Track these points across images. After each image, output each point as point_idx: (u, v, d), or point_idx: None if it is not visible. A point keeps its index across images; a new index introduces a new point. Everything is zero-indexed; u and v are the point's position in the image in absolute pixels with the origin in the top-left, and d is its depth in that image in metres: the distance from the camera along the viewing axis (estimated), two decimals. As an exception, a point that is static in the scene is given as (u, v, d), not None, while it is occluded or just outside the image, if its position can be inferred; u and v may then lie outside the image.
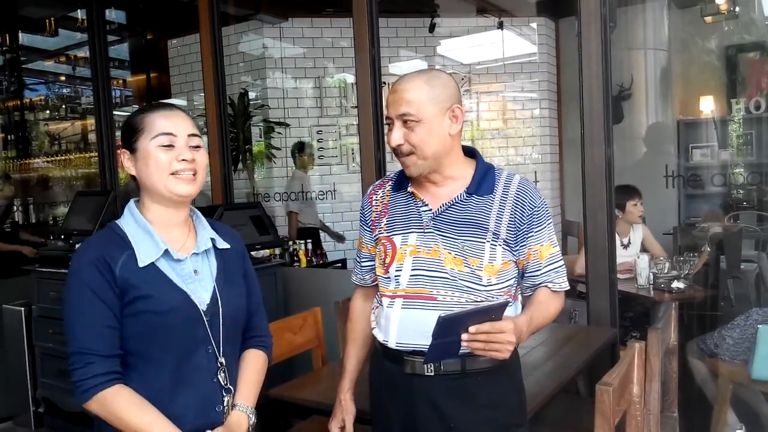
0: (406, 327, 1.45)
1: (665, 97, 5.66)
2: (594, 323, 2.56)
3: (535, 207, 1.47)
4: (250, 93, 5.57)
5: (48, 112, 6.68)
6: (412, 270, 1.46)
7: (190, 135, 1.34)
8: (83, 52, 6.07)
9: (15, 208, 5.16)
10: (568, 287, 1.55)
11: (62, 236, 3.49)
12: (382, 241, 1.53)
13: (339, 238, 5.36)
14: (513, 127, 5.88)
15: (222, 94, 3.73)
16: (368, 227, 1.61)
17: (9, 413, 3.61)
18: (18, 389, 3.51)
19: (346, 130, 5.67)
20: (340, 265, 4.92)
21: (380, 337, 1.52)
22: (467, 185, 1.48)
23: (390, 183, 1.59)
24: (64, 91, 6.92)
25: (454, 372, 1.42)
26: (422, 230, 1.47)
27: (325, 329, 2.43)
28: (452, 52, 5.92)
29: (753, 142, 5.38)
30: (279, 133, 5.54)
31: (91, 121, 6.25)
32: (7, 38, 6.21)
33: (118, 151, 1.38)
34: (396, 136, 1.44)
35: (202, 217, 1.45)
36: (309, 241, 4.24)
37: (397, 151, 1.46)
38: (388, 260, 1.51)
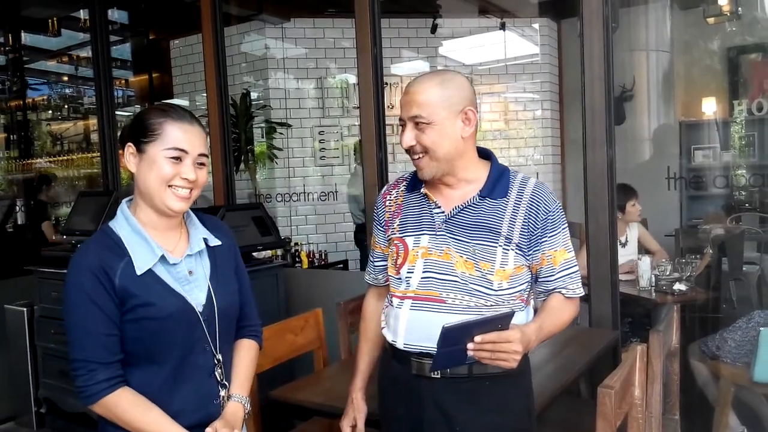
0: (414, 328, 1.45)
1: (667, 99, 5.66)
2: (596, 325, 2.55)
3: (550, 211, 1.45)
4: (252, 93, 5.58)
5: (50, 112, 6.69)
6: (424, 272, 1.45)
7: (200, 154, 1.35)
8: (86, 52, 6.08)
9: (17, 208, 5.16)
10: (583, 293, 1.52)
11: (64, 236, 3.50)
12: (395, 242, 1.53)
13: None
14: (515, 128, 5.88)
15: (224, 95, 3.73)
16: (381, 227, 1.61)
17: (11, 413, 3.62)
18: (20, 390, 3.52)
19: (348, 131, 5.67)
20: (341, 266, 4.93)
21: (389, 337, 1.52)
22: (481, 188, 1.46)
23: (404, 183, 1.58)
24: (67, 91, 6.93)
25: (461, 375, 1.41)
26: (434, 232, 1.46)
27: (326, 330, 2.43)
28: (454, 52, 5.93)
29: (755, 144, 5.37)
30: (281, 133, 5.55)
31: (93, 121, 6.26)
32: (10, 38, 6.22)
33: (126, 145, 1.35)
34: (407, 137, 1.43)
35: (194, 216, 1.46)
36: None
37: (409, 153, 1.46)
38: (399, 261, 1.50)
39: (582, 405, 2.38)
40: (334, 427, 2.22)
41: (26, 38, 6.38)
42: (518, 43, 5.91)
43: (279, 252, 3.94)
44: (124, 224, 1.36)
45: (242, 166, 5.38)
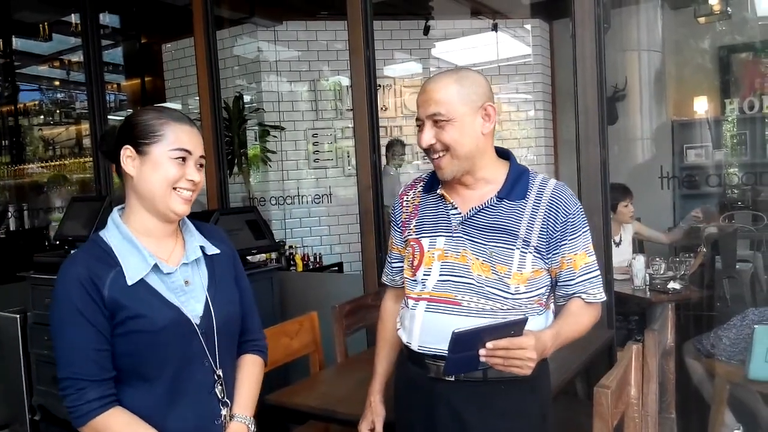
0: (429, 330, 1.43)
1: (659, 98, 5.68)
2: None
3: (570, 213, 1.42)
4: (245, 96, 5.57)
5: (42, 117, 6.65)
6: (440, 274, 1.43)
7: (200, 156, 1.32)
8: (77, 57, 6.05)
9: (9, 214, 5.13)
10: (605, 298, 1.49)
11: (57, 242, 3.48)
12: (411, 243, 1.50)
13: None
14: (508, 128, 5.90)
15: (217, 98, 3.72)
16: (399, 228, 1.59)
17: (5, 421, 3.59)
18: (14, 397, 3.49)
19: (341, 133, 5.67)
20: (336, 268, 4.92)
21: (404, 339, 1.50)
22: (499, 189, 1.43)
23: (421, 184, 1.56)
24: (59, 95, 6.89)
25: (476, 379, 1.39)
26: (451, 234, 1.44)
27: (321, 334, 2.42)
28: (447, 54, 5.94)
29: (747, 142, 5.40)
30: (274, 136, 5.54)
31: (85, 126, 6.23)
32: (1, 43, 6.19)
33: (124, 148, 1.28)
34: (427, 136, 1.40)
35: (190, 223, 1.41)
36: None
37: (429, 152, 1.43)
38: (416, 263, 1.48)
39: (578, 405, 2.38)
40: (331, 431, 2.22)
41: (17, 43, 6.35)
42: (510, 44, 5.93)
43: (273, 255, 3.93)
44: (114, 233, 1.30)
45: (236, 169, 5.37)
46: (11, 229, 5.08)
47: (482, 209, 1.42)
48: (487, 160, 1.44)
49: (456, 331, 1.21)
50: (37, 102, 6.79)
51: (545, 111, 5.95)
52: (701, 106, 5.57)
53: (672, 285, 3.12)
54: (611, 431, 1.44)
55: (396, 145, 5.46)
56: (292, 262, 4.29)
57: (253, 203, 5.18)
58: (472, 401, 1.40)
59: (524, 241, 1.39)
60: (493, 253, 1.39)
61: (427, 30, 5.68)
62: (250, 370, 1.45)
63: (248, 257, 3.29)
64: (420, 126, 1.42)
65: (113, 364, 1.25)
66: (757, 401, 2.65)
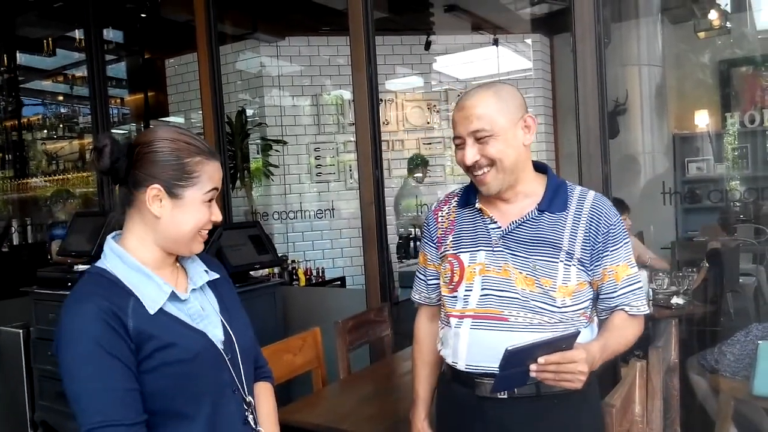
0: (477, 349, 1.40)
1: (660, 112, 5.70)
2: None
3: (611, 225, 1.40)
4: (247, 111, 5.60)
5: (45, 131, 6.68)
6: (482, 290, 1.40)
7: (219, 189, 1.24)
8: (81, 72, 6.09)
9: (12, 229, 5.14)
10: (648, 311, 1.46)
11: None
12: (449, 259, 1.47)
13: None
14: (509, 142, 5.90)
15: (220, 113, 3.74)
16: (434, 244, 1.55)
17: (6, 436, 3.58)
18: (16, 412, 3.48)
19: (343, 146, 5.69)
20: (339, 283, 4.92)
21: (449, 359, 1.46)
22: (538, 202, 1.41)
23: (455, 199, 1.54)
24: (62, 110, 6.92)
25: (529, 395, 1.36)
26: (491, 248, 1.41)
27: (324, 350, 2.42)
28: (448, 68, 5.98)
29: (748, 156, 5.41)
30: (277, 150, 5.56)
31: (88, 141, 6.25)
32: (5, 58, 6.23)
33: (151, 186, 1.15)
34: (470, 153, 1.38)
35: None
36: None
37: (472, 169, 1.40)
38: (456, 279, 1.45)
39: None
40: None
41: (21, 58, 6.39)
42: (511, 58, 5.96)
43: (276, 270, 3.93)
44: (117, 263, 1.17)
45: (238, 183, 5.39)
46: (14, 243, 5.09)
47: (523, 222, 1.41)
48: (528, 173, 1.44)
49: (509, 348, 1.18)
50: (40, 116, 6.82)
51: (546, 125, 5.97)
52: (702, 120, 5.59)
53: (675, 300, 3.11)
54: (616, 449, 1.43)
55: (417, 161, 5.52)
56: (294, 277, 4.29)
57: (255, 217, 5.19)
58: (526, 418, 1.37)
59: (567, 253, 1.37)
60: (537, 267, 1.37)
61: (428, 45, 5.72)
62: (270, 398, 1.39)
63: (251, 272, 3.29)
64: (460, 144, 1.40)
65: (144, 408, 1.11)
66: (762, 417, 2.63)
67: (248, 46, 5.62)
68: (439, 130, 5.90)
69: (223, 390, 1.21)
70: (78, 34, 5.28)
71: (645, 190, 5.14)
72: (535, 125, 1.41)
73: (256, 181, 5.65)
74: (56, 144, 6.61)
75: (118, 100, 6.65)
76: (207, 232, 1.24)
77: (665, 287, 3.19)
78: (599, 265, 1.40)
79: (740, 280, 3.98)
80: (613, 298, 1.42)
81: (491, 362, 1.31)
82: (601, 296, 1.43)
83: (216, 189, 1.21)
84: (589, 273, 1.39)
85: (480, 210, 1.45)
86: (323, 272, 4.91)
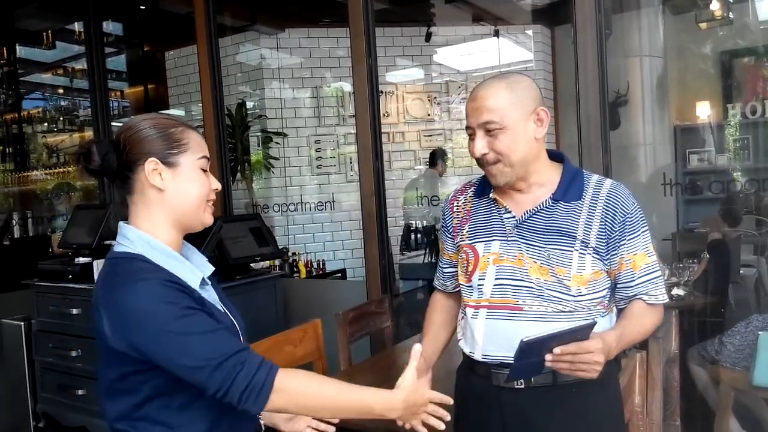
0: (492, 338, 1.40)
1: (662, 103, 5.68)
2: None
3: (628, 213, 1.39)
4: (247, 103, 5.59)
5: (46, 124, 6.67)
6: (496, 279, 1.41)
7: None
8: (81, 65, 6.08)
9: (13, 222, 5.15)
10: (667, 300, 1.45)
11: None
12: (464, 249, 1.48)
13: None
14: (510, 134, 5.89)
15: (220, 105, 3.74)
16: (450, 234, 1.56)
17: (9, 428, 3.59)
18: (18, 404, 3.50)
19: (344, 139, 5.68)
20: (339, 275, 4.92)
21: (466, 350, 1.48)
22: (553, 191, 1.41)
23: (472, 189, 1.54)
24: (62, 103, 6.92)
25: (545, 384, 1.36)
26: (505, 238, 1.42)
27: (325, 341, 2.42)
28: (449, 60, 5.95)
29: (750, 147, 5.39)
30: (277, 143, 5.55)
31: (89, 133, 6.24)
32: (5, 51, 6.22)
33: (147, 161, 1.16)
34: (479, 145, 1.38)
35: (186, 242, 1.33)
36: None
37: (481, 161, 1.41)
38: (470, 268, 1.45)
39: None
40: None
41: (21, 51, 6.38)
42: (512, 49, 5.94)
43: (277, 262, 3.93)
44: (146, 249, 1.17)
45: (238, 176, 5.38)
46: (15, 236, 5.10)
47: (537, 212, 1.40)
48: (540, 164, 1.42)
49: (524, 339, 1.18)
50: (40, 109, 6.81)
51: (547, 116, 5.96)
52: (704, 111, 5.57)
53: (676, 291, 3.11)
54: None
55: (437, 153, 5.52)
56: (295, 269, 4.29)
57: (255, 210, 5.19)
58: (544, 407, 1.37)
59: (582, 242, 1.37)
60: (551, 256, 1.37)
61: (428, 36, 5.70)
62: None
63: (252, 264, 3.30)
64: (471, 135, 1.40)
65: (181, 385, 1.14)
66: (763, 408, 2.64)
67: (248, 38, 5.60)
68: (439, 122, 5.89)
69: None
70: (78, 26, 5.27)
71: (646, 182, 5.14)
72: (548, 118, 1.39)
73: (257, 173, 5.65)
74: (56, 137, 6.61)
75: (118, 93, 6.63)
76: (212, 203, 1.25)
77: (666, 278, 3.19)
78: (616, 254, 1.38)
79: (741, 272, 3.98)
80: (631, 287, 1.40)
81: (507, 352, 1.31)
82: (618, 285, 1.42)
83: (206, 158, 1.23)
84: (606, 262, 1.39)
85: (494, 200, 1.45)
86: (324, 264, 4.92)
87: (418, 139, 5.84)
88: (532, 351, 1.21)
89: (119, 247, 1.19)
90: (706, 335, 3.05)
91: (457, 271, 1.55)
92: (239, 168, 5.38)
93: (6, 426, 3.59)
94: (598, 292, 1.39)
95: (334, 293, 3.55)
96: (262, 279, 3.27)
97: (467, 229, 1.49)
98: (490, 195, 1.47)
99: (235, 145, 5.28)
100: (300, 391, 1.13)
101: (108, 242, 3.27)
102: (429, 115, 5.86)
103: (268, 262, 3.63)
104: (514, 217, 1.42)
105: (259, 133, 5.61)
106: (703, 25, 5.24)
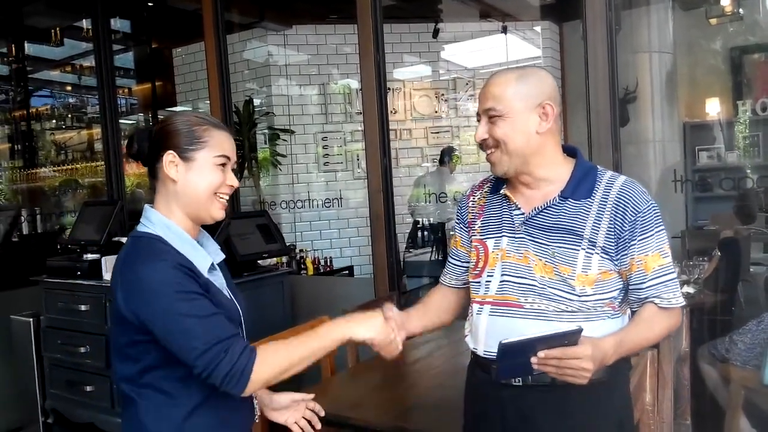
0: (493, 335, 1.39)
1: (671, 100, 5.64)
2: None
3: (640, 212, 1.34)
4: (255, 100, 5.59)
5: (54, 121, 6.70)
6: (502, 276, 1.41)
7: (235, 161, 1.36)
8: (89, 62, 6.09)
9: (22, 218, 5.17)
10: (683, 303, 1.38)
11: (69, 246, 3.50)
12: (475, 244, 1.48)
13: None
14: (518, 130, 5.87)
15: (227, 102, 3.74)
16: (465, 227, 1.56)
17: (18, 424, 3.61)
18: (27, 400, 3.52)
19: (351, 136, 5.67)
20: (347, 272, 4.92)
21: (471, 345, 1.48)
22: (562, 188, 1.39)
23: (488, 185, 1.54)
24: (70, 100, 6.94)
25: (544, 384, 1.34)
26: (513, 234, 1.41)
27: (333, 338, 2.42)
28: (456, 56, 5.93)
29: (760, 144, 5.35)
30: (284, 140, 5.55)
31: (97, 130, 6.26)
32: (13, 48, 6.23)
33: (166, 153, 1.29)
34: (480, 131, 1.40)
35: (202, 229, 1.43)
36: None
37: (482, 147, 1.42)
38: (480, 264, 1.45)
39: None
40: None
41: (29, 48, 6.40)
42: (520, 46, 5.91)
43: (284, 259, 3.93)
44: (166, 231, 1.29)
45: (246, 173, 5.39)
46: (24, 233, 5.12)
47: (545, 209, 1.39)
48: (546, 159, 1.40)
49: (503, 342, 1.18)
50: (49, 106, 6.83)
51: (555, 113, 5.93)
52: (713, 108, 5.53)
53: (686, 289, 3.08)
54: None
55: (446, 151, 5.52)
56: (302, 266, 4.29)
57: (263, 207, 5.19)
58: (543, 407, 1.36)
59: (590, 241, 1.34)
60: (555, 254, 1.35)
61: (436, 33, 5.68)
62: None
63: (259, 261, 3.30)
64: (479, 121, 1.42)
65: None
66: (773, 407, 2.61)
67: (255, 35, 5.60)
68: (447, 119, 5.87)
69: None
70: (86, 23, 5.27)
71: (656, 179, 5.11)
72: (553, 114, 1.38)
73: (264, 170, 5.65)
74: (65, 134, 6.63)
75: (126, 90, 6.65)
76: (226, 198, 1.34)
77: (676, 276, 3.17)
78: (626, 254, 1.35)
79: (751, 270, 3.95)
80: (642, 289, 1.36)
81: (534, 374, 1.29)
82: (630, 287, 1.38)
83: (227, 157, 1.32)
84: (616, 262, 1.35)
85: (506, 196, 1.45)
86: (331, 261, 4.92)
87: (425, 136, 5.83)
88: (515, 353, 1.21)
89: (142, 227, 1.31)
90: (716, 334, 3.03)
91: (463, 268, 1.56)
92: (246, 165, 5.39)
93: (15, 422, 3.61)
94: (607, 292, 1.36)
95: (342, 290, 3.55)
96: (270, 276, 3.27)
97: (480, 225, 1.49)
98: (501, 191, 1.46)
99: (243, 142, 5.28)
100: (277, 365, 1.23)
101: (116, 239, 3.28)
102: (436, 111, 5.84)
103: (275, 259, 3.63)
104: (522, 213, 1.41)
105: (266, 131, 5.61)
106: (713, 21, 5.19)
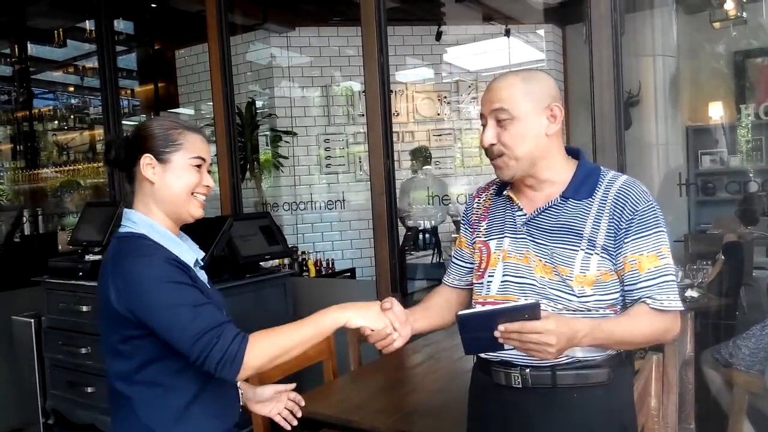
0: None
1: (674, 104, 5.63)
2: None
3: (637, 211, 1.32)
4: (257, 102, 5.59)
5: (56, 122, 6.70)
6: (503, 276, 1.40)
7: (210, 163, 1.41)
8: (92, 63, 6.10)
9: (24, 219, 5.17)
10: (680, 307, 1.33)
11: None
12: (478, 245, 1.48)
13: None
14: (521, 134, 5.86)
15: (230, 104, 3.73)
16: (469, 228, 1.56)
17: (19, 425, 3.61)
18: (27, 401, 3.51)
19: (353, 138, 5.67)
20: (348, 274, 4.91)
21: None
22: (564, 189, 1.38)
23: (494, 187, 1.54)
24: (73, 101, 6.94)
25: (544, 385, 1.34)
26: (515, 235, 1.41)
27: (335, 341, 2.41)
28: (459, 59, 5.93)
29: (763, 148, 5.34)
30: (286, 141, 5.55)
31: (99, 131, 6.27)
32: (16, 49, 6.24)
33: (144, 156, 1.34)
34: (488, 135, 1.36)
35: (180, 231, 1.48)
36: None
37: (488, 153, 1.40)
38: (483, 266, 1.45)
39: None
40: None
41: (32, 49, 6.40)
42: (523, 49, 5.91)
43: (286, 261, 3.92)
44: (150, 230, 1.35)
45: (248, 174, 5.38)
46: (26, 233, 5.11)
47: (546, 209, 1.38)
48: (551, 161, 1.39)
49: (459, 313, 1.21)
50: (51, 107, 6.84)
51: (558, 116, 5.92)
52: (716, 112, 5.52)
53: (690, 293, 3.08)
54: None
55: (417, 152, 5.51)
56: (304, 268, 4.28)
57: (265, 209, 5.19)
58: (543, 409, 1.35)
59: (589, 241, 1.33)
60: (554, 254, 1.34)
61: (439, 35, 5.68)
62: None
63: (261, 263, 3.29)
64: (484, 125, 1.39)
65: (168, 361, 1.30)
66: (777, 412, 2.60)
67: (258, 36, 5.60)
68: (449, 121, 5.87)
69: None
70: (89, 24, 5.28)
71: (660, 182, 5.10)
72: (561, 115, 1.37)
73: (266, 172, 5.65)
74: (67, 135, 6.63)
75: (129, 91, 6.66)
76: (203, 197, 1.40)
77: (679, 280, 3.16)
78: (620, 253, 1.33)
79: (754, 274, 3.94)
80: (635, 290, 1.33)
81: (505, 350, 1.29)
82: (624, 287, 1.35)
83: (202, 158, 1.38)
84: (614, 262, 1.34)
85: (509, 197, 1.44)
86: (333, 264, 4.91)
87: (427, 139, 5.82)
88: (475, 326, 1.22)
89: (125, 228, 1.36)
90: (720, 338, 3.01)
91: (466, 269, 1.56)
92: (249, 167, 5.38)
93: (16, 422, 3.60)
94: (609, 294, 1.34)
95: (344, 293, 3.54)
96: (272, 278, 3.26)
97: (484, 226, 1.49)
98: (504, 192, 1.46)
99: (245, 143, 5.28)
100: (269, 349, 1.26)
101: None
102: (439, 114, 5.84)
103: (277, 260, 3.62)
104: (524, 214, 1.41)
105: (269, 132, 5.61)
106: (717, 25, 5.18)
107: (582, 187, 1.37)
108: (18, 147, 6.50)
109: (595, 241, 1.33)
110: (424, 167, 5.45)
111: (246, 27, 5.51)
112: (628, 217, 1.32)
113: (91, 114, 6.68)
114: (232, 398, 1.45)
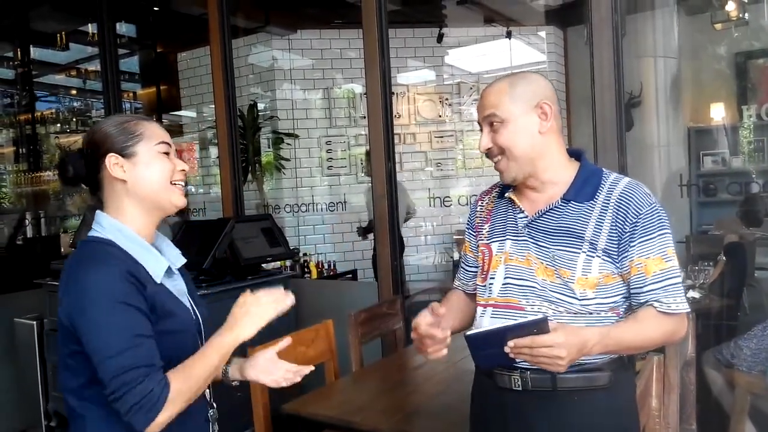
0: None
1: (675, 105, 5.64)
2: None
3: (641, 214, 1.31)
4: (259, 104, 5.60)
5: (59, 125, 6.72)
6: (505, 278, 1.40)
7: (176, 149, 1.34)
8: (94, 66, 6.11)
9: (26, 221, 5.18)
10: (687, 309, 1.32)
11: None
12: (481, 248, 1.49)
13: None
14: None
15: (233, 106, 3.73)
16: (473, 232, 1.57)
17: (21, 427, 3.61)
18: (30, 403, 3.51)
19: (354, 140, 5.68)
20: (350, 276, 4.92)
21: None
22: (565, 191, 1.38)
23: (497, 190, 1.54)
24: (75, 104, 6.96)
25: (545, 389, 1.34)
26: (516, 237, 1.41)
27: (337, 342, 2.41)
28: (460, 61, 5.94)
29: (765, 149, 5.35)
30: (288, 144, 5.56)
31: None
32: (19, 52, 6.26)
33: (107, 157, 1.25)
34: (484, 140, 1.40)
35: (159, 232, 1.38)
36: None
37: (489, 157, 1.42)
38: (485, 268, 1.46)
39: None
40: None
41: (35, 52, 6.42)
42: (524, 51, 5.92)
43: (288, 263, 3.93)
44: (118, 235, 1.25)
45: (249, 176, 5.39)
46: (28, 236, 5.12)
47: (547, 211, 1.38)
48: (551, 161, 1.40)
49: (466, 334, 1.20)
50: (54, 110, 6.86)
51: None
52: (718, 113, 5.53)
53: (691, 294, 3.08)
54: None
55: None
56: (306, 270, 4.29)
57: (266, 210, 5.20)
58: (544, 413, 1.35)
59: (591, 244, 1.32)
60: (555, 257, 1.34)
61: (440, 38, 5.69)
62: None
63: (263, 265, 3.29)
64: (481, 131, 1.42)
65: None
66: (780, 412, 2.60)
67: (260, 39, 5.62)
68: (450, 123, 5.87)
69: None
70: (91, 28, 5.30)
71: (662, 183, 5.10)
72: (552, 112, 1.37)
73: (268, 174, 5.66)
74: (69, 138, 6.65)
75: (131, 94, 6.67)
76: (182, 183, 1.32)
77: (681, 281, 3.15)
78: (626, 257, 1.32)
79: (756, 274, 3.94)
80: (641, 293, 1.32)
81: (517, 363, 1.28)
82: (630, 291, 1.34)
83: (165, 143, 1.29)
84: (618, 265, 1.33)
85: (511, 200, 1.45)
86: (335, 265, 4.92)
87: (429, 141, 5.83)
88: (484, 344, 1.22)
89: (93, 232, 1.27)
90: (722, 338, 3.01)
91: (474, 273, 1.56)
92: (250, 169, 5.39)
93: (18, 424, 3.61)
94: (610, 297, 1.33)
95: (346, 294, 3.54)
96: (274, 279, 3.26)
97: (487, 229, 1.50)
98: (506, 195, 1.46)
99: (247, 146, 5.29)
100: (185, 397, 1.17)
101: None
102: (440, 116, 5.85)
103: (279, 262, 3.62)
104: (526, 216, 1.41)
105: (270, 135, 5.62)
106: (718, 26, 5.19)
107: (583, 189, 1.37)
108: (20, 150, 6.52)
109: (596, 243, 1.32)
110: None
111: (248, 30, 5.53)
112: (632, 220, 1.31)
113: (94, 117, 6.70)
114: (199, 416, 1.33)
